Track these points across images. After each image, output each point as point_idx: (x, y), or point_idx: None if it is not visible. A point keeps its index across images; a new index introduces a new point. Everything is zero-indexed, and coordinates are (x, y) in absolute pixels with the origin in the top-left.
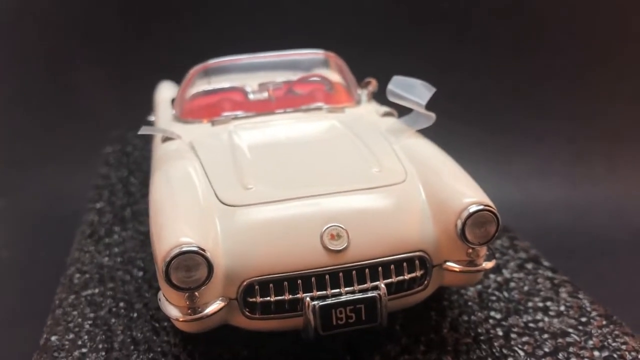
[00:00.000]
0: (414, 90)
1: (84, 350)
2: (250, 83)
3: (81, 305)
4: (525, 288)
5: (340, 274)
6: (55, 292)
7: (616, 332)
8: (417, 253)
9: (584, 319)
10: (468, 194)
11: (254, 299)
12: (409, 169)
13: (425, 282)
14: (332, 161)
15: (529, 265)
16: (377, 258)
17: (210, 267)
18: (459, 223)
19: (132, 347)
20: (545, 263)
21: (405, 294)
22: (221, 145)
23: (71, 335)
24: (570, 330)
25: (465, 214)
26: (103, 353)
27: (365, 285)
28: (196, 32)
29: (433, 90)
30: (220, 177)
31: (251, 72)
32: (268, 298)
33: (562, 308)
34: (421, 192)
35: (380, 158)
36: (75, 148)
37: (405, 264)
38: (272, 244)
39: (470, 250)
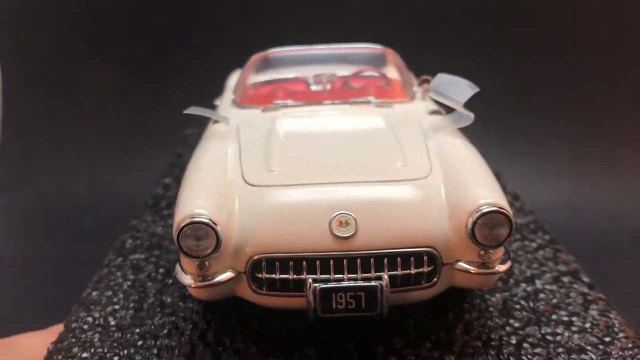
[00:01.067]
0: (456, 89)
1: (116, 307)
2: (307, 74)
3: (125, 268)
4: (554, 300)
5: (345, 261)
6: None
7: (639, 357)
8: (426, 249)
9: (607, 339)
10: (484, 195)
11: (260, 275)
12: (435, 166)
13: (435, 279)
14: (360, 152)
15: (565, 279)
16: (383, 249)
17: (218, 238)
18: (470, 223)
19: (158, 309)
20: (585, 279)
21: (411, 289)
22: (262, 130)
23: (109, 293)
24: (589, 347)
25: (477, 215)
26: (132, 311)
27: (369, 274)
28: (268, 23)
29: (476, 89)
30: (250, 159)
31: (309, 64)
32: (273, 275)
33: (588, 325)
34: (441, 190)
35: (409, 153)
36: (159, 130)
37: (412, 258)
38: (282, 225)
39: (483, 252)
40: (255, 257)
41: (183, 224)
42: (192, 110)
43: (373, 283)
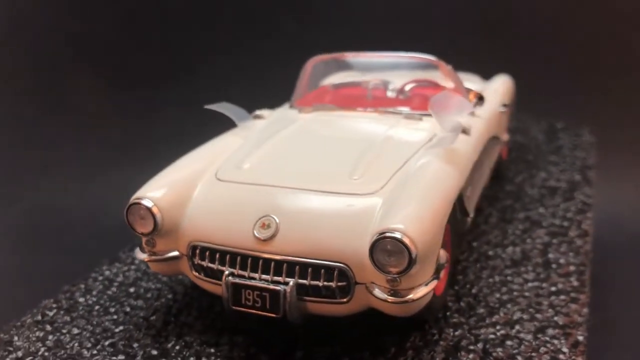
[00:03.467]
0: (452, 108)
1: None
2: (363, 79)
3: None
4: (515, 351)
5: (260, 261)
6: None
7: None
8: (338, 264)
9: None
10: (396, 220)
11: (195, 260)
12: (391, 185)
13: (349, 296)
14: (327, 161)
15: (551, 332)
16: (296, 256)
17: (155, 221)
18: (370, 245)
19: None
20: (579, 336)
21: (324, 301)
22: (272, 129)
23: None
24: None
25: (375, 238)
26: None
27: (279, 278)
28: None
29: (471, 109)
30: (238, 153)
31: (366, 70)
32: (202, 262)
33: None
34: (377, 209)
35: (376, 168)
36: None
37: (322, 270)
38: (216, 218)
39: (390, 278)
40: (192, 243)
41: (129, 203)
42: (211, 106)
43: (278, 287)
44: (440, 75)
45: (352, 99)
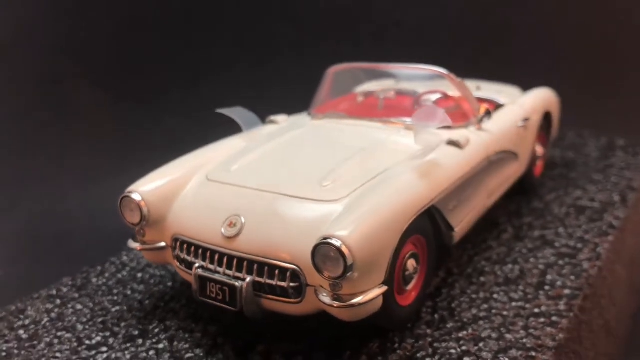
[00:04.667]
0: (430, 122)
1: None
2: (378, 89)
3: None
4: None
5: (225, 257)
6: None
7: None
8: (291, 266)
9: None
10: (340, 227)
11: (176, 251)
12: (358, 193)
13: (301, 297)
14: (306, 167)
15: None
16: (256, 255)
17: (142, 214)
18: (312, 249)
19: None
20: None
21: (278, 300)
22: (276, 134)
23: None
24: None
25: (316, 242)
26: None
27: (240, 274)
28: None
29: (448, 122)
30: (234, 156)
31: (382, 79)
32: (180, 254)
33: None
34: (334, 216)
35: (351, 176)
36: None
37: (277, 271)
38: (195, 214)
39: (332, 283)
40: (175, 236)
41: (122, 196)
42: (221, 110)
43: (235, 282)
44: (450, 86)
45: (365, 108)
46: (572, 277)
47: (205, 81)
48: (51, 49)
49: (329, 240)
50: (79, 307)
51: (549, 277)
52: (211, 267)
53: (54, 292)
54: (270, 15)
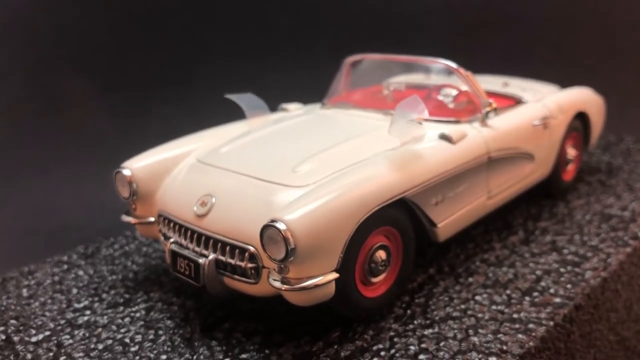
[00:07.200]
0: (409, 113)
1: None
2: (390, 81)
3: None
4: None
5: (195, 235)
6: None
7: None
8: (250, 247)
9: None
10: (288, 211)
11: (160, 226)
12: (324, 180)
13: (258, 278)
14: (290, 152)
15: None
16: (220, 234)
17: (131, 188)
18: (260, 230)
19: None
20: None
21: (237, 279)
22: (277, 121)
23: None
24: None
25: (263, 225)
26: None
27: (206, 251)
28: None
29: (425, 115)
30: (229, 140)
31: (398, 71)
32: (162, 229)
33: None
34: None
35: (326, 164)
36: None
37: (237, 250)
38: (177, 192)
39: (277, 265)
40: (159, 212)
41: (115, 171)
42: (229, 95)
43: (198, 259)
44: (459, 80)
45: (375, 99)
46: (569, 286)
47: (203, 72)
48: (44, 38)
49: (274, 224)
50: (80, 273)
51: (542, 283)
52: (183, 242)
53: (65, 258)
54: (270, 3)
